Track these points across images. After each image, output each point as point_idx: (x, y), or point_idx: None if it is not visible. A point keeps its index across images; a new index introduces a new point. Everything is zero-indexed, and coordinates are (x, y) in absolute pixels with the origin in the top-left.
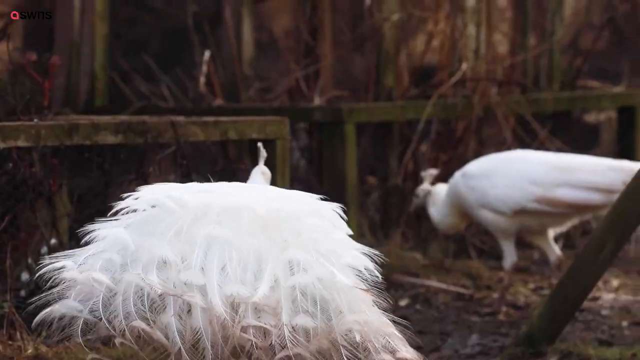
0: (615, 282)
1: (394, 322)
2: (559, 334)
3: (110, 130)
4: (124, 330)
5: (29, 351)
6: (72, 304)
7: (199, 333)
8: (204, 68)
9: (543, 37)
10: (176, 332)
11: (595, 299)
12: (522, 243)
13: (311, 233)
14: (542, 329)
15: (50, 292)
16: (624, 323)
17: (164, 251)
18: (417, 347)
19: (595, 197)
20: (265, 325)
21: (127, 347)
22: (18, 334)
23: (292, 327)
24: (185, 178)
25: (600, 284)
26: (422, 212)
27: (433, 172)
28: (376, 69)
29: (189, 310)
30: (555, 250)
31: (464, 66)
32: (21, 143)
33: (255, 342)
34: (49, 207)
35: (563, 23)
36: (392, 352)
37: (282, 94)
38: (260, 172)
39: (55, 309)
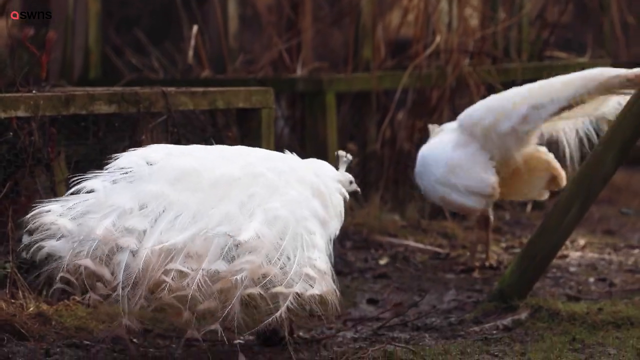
0: (582, 241)
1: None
2: (530, 290)
3: (104, 100)
4: (75, 266)
5: (31, 309)
6: (56, 244)
7: (133, 272)
8: (192, 42)
9: (512, 11)
10: (118, 271)
11: (564, 257)
12: (495, 205)
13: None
14: (513, 285)
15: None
16: (591, 279)
17: (123, 202)
18: (396, 303)
19: None
20: (185, 270)
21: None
22: (20, 292)
23: (207, 272)
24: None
25: (568, 242)
26: (399, 178)
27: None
28: (354, 42)
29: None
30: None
31: (438, 39)
32: (21, 113)
33: (170, 284)
34: (48, 173)
35: None
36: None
37: (266, 66)
38: (337, 180)
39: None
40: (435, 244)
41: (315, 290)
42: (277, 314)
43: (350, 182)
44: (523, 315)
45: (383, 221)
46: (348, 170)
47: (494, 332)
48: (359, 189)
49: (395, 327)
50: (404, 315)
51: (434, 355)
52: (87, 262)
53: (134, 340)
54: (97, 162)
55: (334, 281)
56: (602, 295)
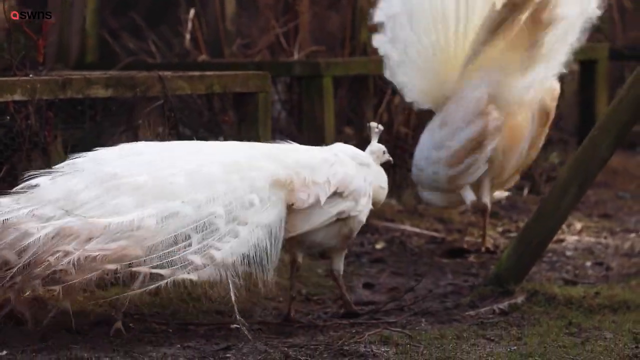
0: (578, 225)
1: (371, 262)
2: (526, 274)
3: (101, 84)
4: None
5: (27, 293)
6: None
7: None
8: (189, 25)
9: None
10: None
11: (560, 241)
12: None
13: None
14: (510, 269)
15: None
16: (587, 263)
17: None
18: (392, 287)
19: None
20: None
21: (119, 289)
22: None
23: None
24: (172, 129)
25: (564, 226)
26: (396, 162)
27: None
28: (351, 25)
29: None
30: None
31: None
32: (18, 97)
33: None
34: (45, 157)
35: None
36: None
37: (263, 50)
38: (370, 151)
39: None
40: (432, 229)
41: (192, 276)
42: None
43: (384, 152)
44: (519, 299)
45: (380, 206)
46: None
47: (490, 316)
48: (391, 159)
49: (391, 312)
50: (400, 300)
51: (430, 340)
52: None
53: (131, 325)
54: (94, 145)
55: (234, 271)
56: (598, 280)
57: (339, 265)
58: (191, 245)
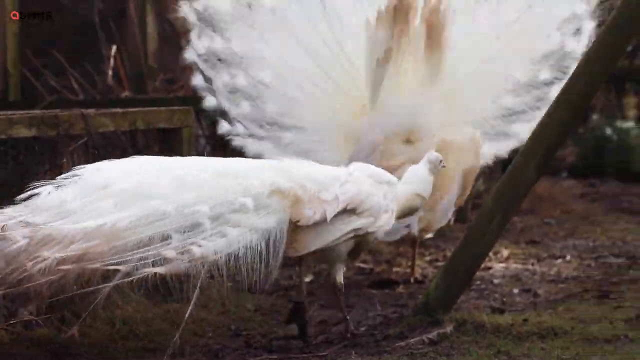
0: (505, 252)
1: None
2: (455, 303)
3: (24, 124)
4: None
5: None
6: None
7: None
8: (111, 62)
9: None
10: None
11: (488, 268)
12: None
13: None
14: (438, 298)
15: None
16: (515, 290)
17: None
18: (322, 320)
19: None
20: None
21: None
22: None
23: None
24: None
25: (491, 254)
26: None
27: None
28: None
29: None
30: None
31: None
32: None
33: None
34: None
35: None
36: None
37: (186, 85)
38: (427, 160)
39: None
40: (360, 260)
41: (160, 270)
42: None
43: (440, 161)
44: (448, 328)
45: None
46: None
47: (420, 346)
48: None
49: (321, 345)
50: (329, 333)
51: None
52: None
53: None
54: (18, 186)
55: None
56: (526, 306)
57: (341, 277)
58: (170, 244)
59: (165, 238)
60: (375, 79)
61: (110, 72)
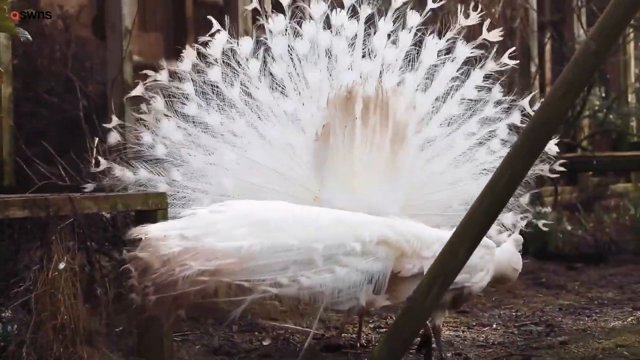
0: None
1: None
2: None
3: (18, 206)
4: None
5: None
6: None
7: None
8: (94, 152)
9: None
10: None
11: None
12: None
13: None
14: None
15: None
16: (449, 354)
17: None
18: None
19: None
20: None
21: None
22: None
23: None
24: (82, 244)
25: (427, 322)
26: None
27: None
28: None
29: None
30: None
31: None
32: None
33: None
34: None
35: None
36: None
37: None
38: (513, 239)
39: None
40: (312, 326)
41: (274, 290)
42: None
43: (522, 242)
44: None
45: (265, 306)
46: None
47: None
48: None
49: None
50: None
51: None
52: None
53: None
54: (12, 260)
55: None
56: None
57: (440, 321)
58: (286, 272)
59: (284, 267)
60: (318, 160)
61: (93, 161)
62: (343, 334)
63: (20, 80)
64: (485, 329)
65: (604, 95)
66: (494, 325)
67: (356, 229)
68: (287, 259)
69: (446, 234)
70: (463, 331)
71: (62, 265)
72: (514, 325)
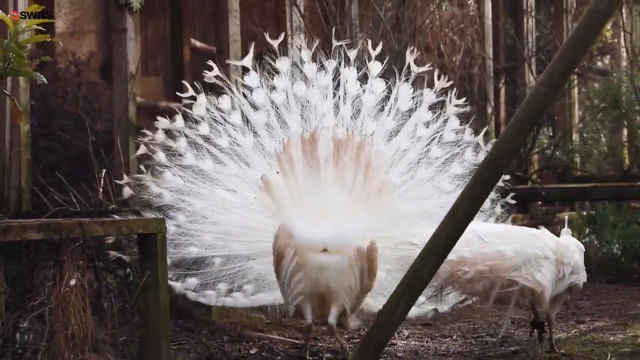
0: (406, 332)
1: None
2: None
3: (34, 229)
4: None
5: None
6: None
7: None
8: (102, 182)
9: None
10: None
11: (393, 344)
12: None
13: None
14: None
15: None
16: None
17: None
18: None
19: None
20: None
21: None
22: None
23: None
24: (90, 263)
25: (395, 334)
26: None
27: None
28: None
29: None
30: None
31: None
32: None
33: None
34: None
35: None
36: None
37: None
38: (566, 232)
39: None
40: (293, 337)
41: (525, 283)
42: None
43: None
44: None
45: (253, 319)
46: None
47: None
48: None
49: None
50: None
51: None
52: None
53: None
54: (29, 277)
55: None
56: None
57: (554, 314)
58: (519, 271)
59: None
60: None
61: (100, 190)
62: (320, 344)
63: (36, 119)
64: (446, 339)
65: (551, 134)
66: (454, 337)
67: (542, 240)
68: (516, 262)
69: (570, 243)
70: (427, 342)
71: (72, 282)
72: (472, 336)
